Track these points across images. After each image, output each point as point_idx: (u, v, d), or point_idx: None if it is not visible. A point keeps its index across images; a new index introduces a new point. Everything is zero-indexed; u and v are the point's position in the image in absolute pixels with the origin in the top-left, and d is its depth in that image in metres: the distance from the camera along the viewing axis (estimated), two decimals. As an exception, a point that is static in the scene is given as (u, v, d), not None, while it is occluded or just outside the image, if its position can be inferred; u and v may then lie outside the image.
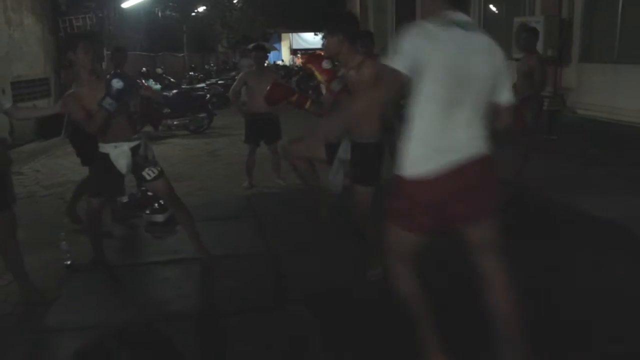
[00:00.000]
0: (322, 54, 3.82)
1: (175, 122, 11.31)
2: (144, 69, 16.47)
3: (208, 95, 12.67)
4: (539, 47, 9.03)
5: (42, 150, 9.65)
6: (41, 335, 3.35)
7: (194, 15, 26.68)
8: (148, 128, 6.72)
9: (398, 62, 2.23)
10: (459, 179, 2.29)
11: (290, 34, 40.19)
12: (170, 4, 24.48)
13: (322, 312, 3.42)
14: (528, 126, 5.91)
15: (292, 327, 3.27)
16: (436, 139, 2.30)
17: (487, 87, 2.37)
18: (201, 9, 27.22)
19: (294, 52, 39.82)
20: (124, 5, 15.15)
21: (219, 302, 3.70)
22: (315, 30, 33.22)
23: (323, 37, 3.67)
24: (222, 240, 4.82)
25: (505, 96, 2.46)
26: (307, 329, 3.24)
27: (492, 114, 2.44)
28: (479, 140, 2.37)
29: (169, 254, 4.55)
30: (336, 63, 3.78)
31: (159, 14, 24.22)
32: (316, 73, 3.75)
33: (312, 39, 37.68)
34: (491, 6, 12.18)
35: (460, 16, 2.34)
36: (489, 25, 11.62)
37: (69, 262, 4.24)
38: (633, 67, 7.93)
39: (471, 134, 2.34)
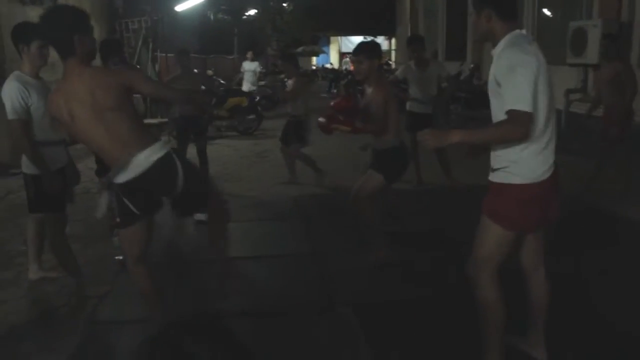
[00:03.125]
0: (334, 106, 4.26)
1: (224, 123, 11.50)
2: (195, 70, 16.74)
3: (257, 98, 12.81)
4: (596, 51, 8.82)
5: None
6: (94, 327, 3.46)
7: (244, 19, 27.06)
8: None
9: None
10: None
11: (338, 37, 40.22)
12: (222, 7, 24.91)
13: (369, 316, 3.41)
14: (612, 138, 5.77)
15: (339, 330, 3.28)
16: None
17: None
18: (252, 12, 27.58)
19: (342, 55, 39.86)
20: (178, 8, 15.47)
21: (266, 302, 3.72)
22: (364, 34, 33.20)
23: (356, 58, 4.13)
24: (270, 241, 4.87)
25: None
26: (354, 333, 3.24)
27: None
28: None
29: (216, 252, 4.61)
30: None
31: (211, 17, 24.67)
32: (342, 128, 4.14)
33: (360, 43, 37.58)
34: (545, 10, 11.89)
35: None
36: (543, 30, 11.35)
37: (120, 257, 4.36)
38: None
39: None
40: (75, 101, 2.69)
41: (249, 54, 15.34)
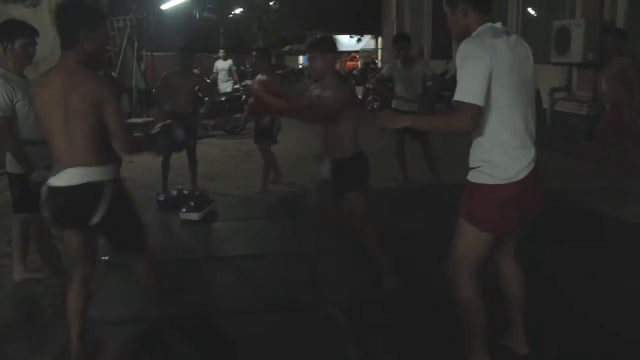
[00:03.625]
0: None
1: (211, 123, 11.46)
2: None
3: (244, 97, 12.76)
4: (580, 50, 8.90)
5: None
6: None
7: (230, 18, 26.97)
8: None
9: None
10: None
11: (325, 37, 40.27)
12: (208, 5, 24.82)
13: (357, 314, 3.42)
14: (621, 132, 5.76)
15: (326, 329, 3.29)
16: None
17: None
18: (238, 11, 27.49)
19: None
20: (164, 7, 15.38)
21: (253, 301, 3.72)
22: (351, 33, 33.25)
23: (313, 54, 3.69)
24: (257, 240, 4.87)
25: None
26: (342, 332, 3.25)
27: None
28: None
29: (203, 252, 4.61)
30: None
31: (197, 16, 24.58)
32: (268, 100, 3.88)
33: (347, 42, 37.62)
34: (530, 10, 11.99)
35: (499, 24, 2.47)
36: (527, 29, 11.43)
37: (106, 257, 4.33)
38: (677, 72, 7.68)
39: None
40: (50, 91, 2.66)
41: (221, 53, 14.66)
